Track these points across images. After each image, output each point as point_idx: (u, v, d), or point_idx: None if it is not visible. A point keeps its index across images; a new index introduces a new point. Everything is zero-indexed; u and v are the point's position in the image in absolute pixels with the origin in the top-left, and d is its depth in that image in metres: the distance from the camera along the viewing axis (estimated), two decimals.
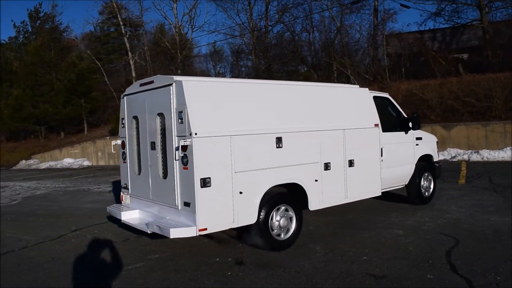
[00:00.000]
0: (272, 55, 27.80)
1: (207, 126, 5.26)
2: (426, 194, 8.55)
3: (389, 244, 6.06)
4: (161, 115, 5.73)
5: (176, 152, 5.37)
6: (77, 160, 25.99)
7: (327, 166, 6.52)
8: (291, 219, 6.12)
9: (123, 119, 6.77)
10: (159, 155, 5.84)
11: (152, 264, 5.72)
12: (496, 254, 5.38)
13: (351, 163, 6.85)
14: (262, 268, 5.35)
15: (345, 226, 7.19)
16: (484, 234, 6.28)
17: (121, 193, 6.98)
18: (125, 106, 6.69)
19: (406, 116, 8.20)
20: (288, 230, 6.09)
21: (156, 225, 5.40)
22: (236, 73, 37.33)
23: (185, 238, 6.33)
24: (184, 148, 5.23)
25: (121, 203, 7.00)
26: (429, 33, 27.95)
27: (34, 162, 27.11)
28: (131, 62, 30.32)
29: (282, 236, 6.03)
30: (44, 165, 26.32)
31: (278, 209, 5.98)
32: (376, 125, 7.31)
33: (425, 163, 8.57)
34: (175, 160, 5.42)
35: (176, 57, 30.94)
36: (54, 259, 6.23)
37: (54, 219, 9.17)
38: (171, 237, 5.19)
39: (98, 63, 31.55)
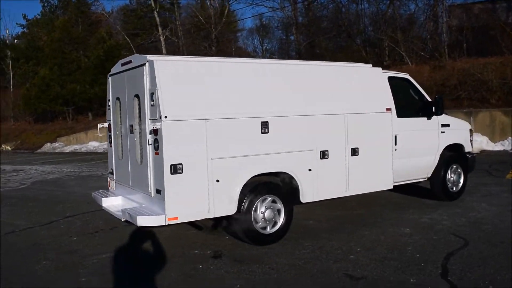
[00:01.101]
0: (315, 30, 27.48)
1: (179, 109, 5.45)
2: (454, 189, 8.33)
3: (387, 243, 6.03)
4: (137, 96, 5.99)
5: (149, 136, 5.62)
6: (102, 143, 27.18)
7: (324, 155, 6.54)
8: (279, 211, 6.23)
9: (108, 100, 7.11)
10: (137, 139, 6.11)
11: (126, 255, 6.05)
12: (503, 261, 5.23)
13: (354, 152, 6.83)
14: (237, 262, 5.53)
15: (349, 221, 7.20)
16: (502, 237, 6.10)
17: (108, 179, 7.38)
18: (110, 86, 7.02)
19: (430, 99, 7.99)
20: (275, 223, 6.21)
21: (128, 213, 5.70)
22: (286, 50, 37.27)
23: (173, 228, 6.67)
24: (155, 132, 5.46)
25: (108, 189, 7.40)
26: (502, 2, 26.54)
27: (59, 145, 28.68)
28: (162, 38, 31.07)
29: (268, 229, 6.16)
30: (68, 149, 27.77)
31: (264, 200, 6.11)
32: (388, 109, 7.20)
33: (453, 154, 8.34)
34: (148, 145, 5.67)
35: (211, 32, 31.37)
36: (36, 244, 6.73)
37: (53, 204, 9.81)
38: (138, 225, 5.47)
39: (127, 39, 32.61)
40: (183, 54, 31.80)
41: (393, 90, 7.45)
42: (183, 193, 5.49)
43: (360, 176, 6.93)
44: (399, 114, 7.46)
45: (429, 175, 8.11)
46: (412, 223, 6.97)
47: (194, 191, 5.56)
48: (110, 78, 7.00)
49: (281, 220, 6.24)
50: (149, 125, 5.59)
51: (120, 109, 6.74)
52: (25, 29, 44.10)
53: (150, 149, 5.68)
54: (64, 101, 33.23)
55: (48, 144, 29.64)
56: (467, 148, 8.60)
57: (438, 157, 8.06)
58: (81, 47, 33.74)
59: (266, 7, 39.19)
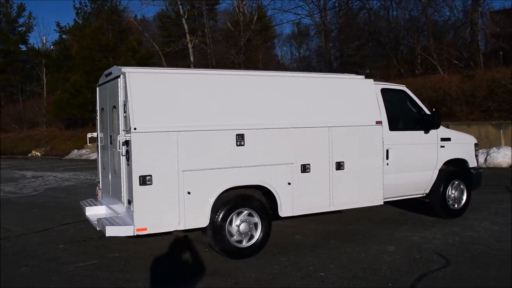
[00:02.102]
0: (345, 38, 27.39)
1: (150, 121, 5.65)
2: (456, 206, 8.17)
3: (364, 261, 6.01)
4: (115, 107, 6.26)
5: (122, 147, 5.85)
6: None
7: (305, 168, 6.59)
8: (255, 225, 6.32)
9: (96, 110, 7.43)
10: (115, 150, 6.37)
11: (103, 263, 6.28)
12: (478, 283, 5.15)
13: (339, 166, 6.84)
14: (206, 275, 5.66)
15: (337, 237, 7.20)
16: (489, 259, 5.97)
17: (96, 188, 7.68)
18: (97, 96, 7.34)
19: (428, 112, 7.89)
20: (251, 237, 6.31)
21: (101, 222, 5.95)
22: (323, 57, 37.16)
23: (163, 238, 6.87)
24: (127, 143, 5.70)
25: (96, 198, 7.70)
26: None
27: (85, 152, 29.66)
28: (189, 46, 31.71)
29: (243, 243, 6.26)
30: (94, 156, 28.63)
31: (239, 213, 6.22)
32: (379, 122, 7.18)
33: (455, 169, 8.20)
34: (121, 156, 5.91)
35: (239, 40, 31.78)
36: (23, 251, 7.08)
37: (56, 211, 10.24)
38: (107, 235, 5.70)
39: (156, 47, 33.48)
40: (211, 62, 32.40)
41: (386, 102, 7.43)
42: (152, 204, 5.68)
43: (346, 191, 6.93)
44: (392, 127, 7.42)
45: (427, 191, 7.99)
46: (400, 241, 6.91)
47: (164, 203, 5.74)
48: (97, 88, 7.32)
49: (257, 234, 6.33)
50: (122, 136, 5.82)
51: (102, 120, 7.03)
52: (62, 36, 45.96)
53: (123, 160, 5.92)
54: (94, 108, 34.28)
55: (76, 150, 30.71)
56: (472, 164, 8.41)
57: (436, 173, 7.94)
58: (111, 54, 34.85)
59: (295, 14, 39.20)
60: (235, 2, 33.03)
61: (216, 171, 6.02)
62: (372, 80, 7.38)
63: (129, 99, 5.61)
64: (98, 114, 7.34)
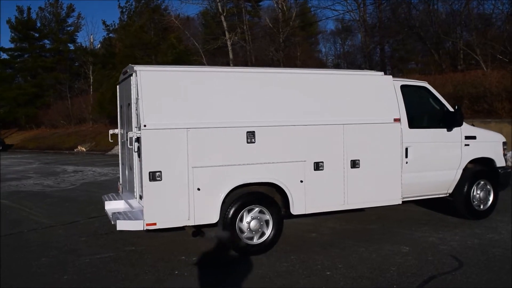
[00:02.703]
0: (385, 33, 26.82)
1: (160, 118, 5.76)
2: (481, 207, 7.88)
3: (374, 261, 5.91)
4: (129, 105, 6.41)
5: (135, 144, 6.00)
6: None
7: (318, 166, 6.54)
8: (267, 222, 6.33)
9: (117, 108, 7.64)
10: (128, 146, 6.52)
11: (119, 256, 6.47)
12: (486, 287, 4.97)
13: (354, 164, 6.74)
14: (213, 271, 5.73)
15: (352, 236, 7.10)
16: (504, 263, 5.73)
17: (118, 183, 7.90)
18: (118, 94, 7.54)
19: (451, 109, 7.64)
20: (262, 234, 6.32)
21: (114, 217, 6.12)
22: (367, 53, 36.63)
23: (176, 233, 7.00)
24: (138, 140, 5.84)
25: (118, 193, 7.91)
26: None
27: None
28: (228, 43, 31.94)
29: (254, 240, 6.29)
30: None
31: (250, 210, 6.25)
32: (397, 119, 7.01)
33: (481, 169, 7.91)
34: (134, 152, 6.06)
35: (278, 36, 31.74)
36: (46, 242, 7.38)
37: (86, 205, 10.58)
38: (118, 229, 5.88)
39: (196, 44, 33.92)
40: (250, 59, 32.51)
41: (406, 99, 7.25)
42: (162, 200, 5.79)
43: (361, 190, 6.82)
44: (412, 125, 7.23)
45: (449, 191, 7.74)
46: (416, 241, 6.74)
47: (174, 198, 5.84)
48: (118, 86, 7.52)
49: (269, 231, 6.33)
50: (134, 133, 5.96)
51: (122, 117, 7.22)
52: (108, 35, 47.39)
53: (135, 156, 6.06)
54: None
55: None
56: (499, 163, 8.08)
57: (460, 172, 7.67)
58: (152, 52, 35.60)
59: (333, 10, 38.73)
60: None
61: (226, 168, 6.06)
62: (391, 76, 7.21)
63: (139, 96, 5.74)
64: (118, 111, 7.54)
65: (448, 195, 7.80)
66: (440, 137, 7.53)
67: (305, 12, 39.54)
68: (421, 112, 7.66)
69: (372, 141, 6.89)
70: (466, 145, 7.71)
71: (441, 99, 7.67)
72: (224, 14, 32.31)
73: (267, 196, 6.37)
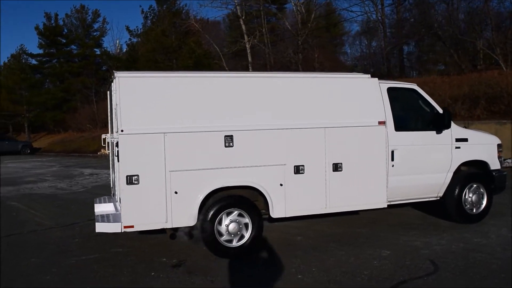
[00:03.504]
0: (404, 33, 26.46)
1: (137, 123, 5.90)
2: (474, 210, 7.73)
3: (350, 265, 5.89)
4: (114, 110, 6.57)
5: (115, 148, 6.16)
6: None
7: (298, 169, 6.56)
8: (246, 225, 6.39)
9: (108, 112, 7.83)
10: (110, 151, 6.71)
11: (103, 257, 6.63)
12: None
13: (336, 167, 6.73)
14: (187, 273, 5.82)
15: (337, 240, 7.08)
16: (482, 268, 5.63)
17: (111, 185, 8.10)
18: (108, 100, 7.72)
19: (440, 112, 7.53)
20: (241, 237, 6.39)
21: (96, 219, 6.30)
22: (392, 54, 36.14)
23: (165, 236, 7.11)
24: (117, 144, 6.00)
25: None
26: None
27: None
28: (247, 46, 32.09)
29: (233, 242, 6.36)
30: None
31: (229, 213, 6.32)
32: (382, 122, 6.96)
33: (473, 172, 7.78)
34: (115, 156, 6.22)
35: (297, 39, 31.70)
36: (42, 243, 7.62)
37: (90, 207, 10.80)
38: (97, 231, 6.05)
39: (216, 47, 34.21)
40: (269, 62, 32.56)
41: (393, 102, 7.20)
42: (139, 203, 5.93)
43: (344, 193, 6.80)
44: (399, 128, 7.17)
45: (440, 194, 7.63)
46: (400, 245, 6.68)
47: (151, 202, 5.96)
48: (108, 92, 7.71)
49: (248, 234, 6.39)
50: (114, 138, 6.12)
51: (111, 122, 7.40)
52: (131, 39, 48.22)
53: (116, 160, 6.22)
54: None
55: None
56: (493, 166, 7.91)
57: (450, 175, 7.56)
58: (173, 56, 36.07)
59: (351, 11, 38.43)
60: (293, 1, 32.92)
61: (203, 171, 6.16)
62: (376, 79, 7.15)
63: (118, 102, 5.90)
64: (109, 116, 7.73)
65: (438, 198, 7.69)
66: (428, 140, 7.44)
67: (329, 13, 39.38)
68: (409, 115, 7.60)
69: (356, 144, 6.86)
70: (457, 147, 7.59)
71: (431, 102, 7.57)
72: (243, 18, 32.46)
73: (247, 199, 6.43)
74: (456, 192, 7.56)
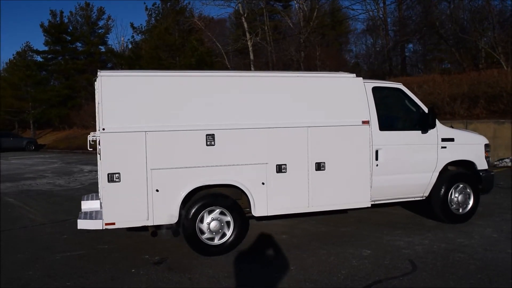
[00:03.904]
0: (405, 32, 26.35)
1: (119, 121, 5.95)
2: (460, 210, 7.72)
3: (328, 264, 5.91)
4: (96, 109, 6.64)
5: (98, 146, 6.22)
6: None
7: (280, 168, 6.59)
8: (228, 223, 6.44)
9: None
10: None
11: (88, 254, 6.70)
12: None
13: (319, 166, 6.75)
14: (167, 270, 5.87)
15: (321, 239, 7.10)
16: (460, 269, 5.64)
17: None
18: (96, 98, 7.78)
19: (426, 111, 7.52)
20: (223, 235, 6.43)
21: (79, 216, 6.37)
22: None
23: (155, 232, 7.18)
24: (99, 142, 6.06)
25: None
26: None
27: None
28: (249, 44, 32.10)
29: (215, 240, 6.40)
30: None
31: (211, 211, 6.37)
32: (365, 122, 6.97)
33: (459, 172, 7.77)
34: (98, 154, 6.28)
35: (299, 37, 31.68)
36: (31, 239, 7.70)
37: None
38: (78, 228, 6.13)
39: (218, 45, 34.25)
40: (271, 60, 32.55)
41: (378, 101, 7.20)
42: (121, 200, 5.98)
43: (327, 192, 6.82)
44: (383, 127, 7.17)
45: (426, 194, 7.63)
46: (382, 245, 6.69)
47: (132, 199, 6.02)
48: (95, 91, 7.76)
49: (230, 232, 6.43)
50: (96, 136, 6.18)
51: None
52: (133, 37, 48.36)
53: (99, 158, 6.28)
54: None
55: None
56: (481, 166, 7.89)
57: (436, 175, 7.55)
58: (176, 53, 36.14)
59: (352, 9, 38.35)
60: None
61: (185, 170, 6.20)
62: (361, 78, 7.15)
63: (101, 100, 5.95)
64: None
65: (424, 198, 7.69)
66: (413, 140, 7.44)
67: (335, 11, 39.26)
68: (394, 114, 7.61)
69: (339, 143, 6.88)
70: (442, 147, 7.58)
71: (416, 101, 7.56)
72: (245, 16, 32.46)
73: (229, 198, 6.47)
74: (442, 192, 7.55)
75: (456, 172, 7.75)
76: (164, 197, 6.12)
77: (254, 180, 6.48)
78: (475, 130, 16.19)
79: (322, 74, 7.31)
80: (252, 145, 6.47)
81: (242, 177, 6.43)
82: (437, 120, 7.56)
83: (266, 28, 32.83)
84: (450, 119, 17.80)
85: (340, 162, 6.88)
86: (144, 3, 44.80)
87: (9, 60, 52.73)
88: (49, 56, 50.26)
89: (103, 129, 5.89)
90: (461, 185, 7.71)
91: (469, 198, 7.77)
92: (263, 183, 6.52)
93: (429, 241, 6.83)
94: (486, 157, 7.98)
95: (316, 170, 6.75)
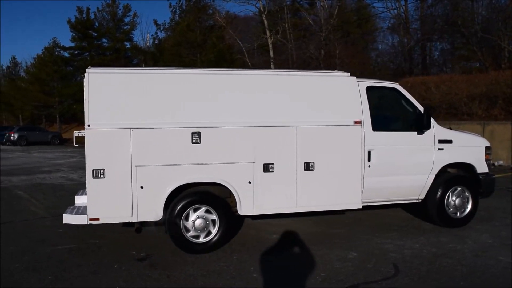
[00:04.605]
0: (426, 31, 25.82)
1: (104, 118, 5.98)
2: (458, 214, 7.51)
3: (311, 265, 5.83)
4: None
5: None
6: None
7: (268, 168, 6.51)
8: (213, 221, 6.41)
9: None
10: None
11: (78, 248, 6.77)
12: None
13: (308, 166, 6.65)
14: (151, 266, 5.88)
15: (311, 239, 6.99)
16: (443, 275, 5.48)
17: None
18: None
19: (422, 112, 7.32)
20: (209, 233, 6.41)
21: (66, 211, 6.45)
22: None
23: (144, 229, 7.22)
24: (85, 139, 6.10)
25: None
26: None
27: None
28: (269, 41, 32.00)
29: (200, 238, 6.38)
30: None
31: (196, 209, 6.35)
32: (357, 122, 6.83)
33: (457, 174, 7.56)
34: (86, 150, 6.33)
35: (319, 35, 31.42)
36: (29, 232, 7.82)
37: None
38: (64, 222, 6.19)
39: (239, 42, 34.26)
40: (292, 57, 32.38)
41: (372, 101, 7.05)
42: (105, 196, 6.02)
43: (315, 193, 6.72)
44: (377, 128, 7.02)
45: (421, 197, 7.44)
46: (370, 248, 6.56)
47: (117, 195, 6.05)
48: None
49: (215, 230, 6.40)
50: (82, 132, 6.23)
51: None
52: (157, 33, 48.76)
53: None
54: None
55: None
56: (480, 169, 7.64)
57: (432, 177, 7.36)
58: (197, 50, 36.30)
59: (374, 7, 37.77)
60: None
61: (170, 167, 6.19)
62: (354, 77, 7.00)
63: (88, 97, 5.99)
64: None
65: (420, 201, 7.50)
66: (408, 141, 7.25)
67: (361, 8, 38.72)
68: (389, 115, 7.45)
69: (329, 143, 6.76)
70: (439, 149, 7.37)
71: (413, 101, 7.37)
72: (266, 13, 32.36)
73: (214, 196, 6.44)
74: (438, 195, 7.36)
75: (454, 175, 7.54)
76: (148, 194, 6.13)
77: (241, 179, 6.43)
78: (492, 131, 15.83)
79: (313, 73, 7.19)
80: (239, 144, 6.41)
81: (228, 176, 6.39)
82: (434, 121, 7.36)
83: (286, 25, 32.65)
84: (468, 119, 17.40)
85: (330, 163, 6.76)
86: (169, 0, 44.98)
87: (37, 55, 53.75)
88: (76, 52, 51.08)
89: (89, 126, 5.93)
90: (459, 189, 7.49)
91: (467, 202, 7.55)
92: (249, 182, 6.46)
93: (420, 245, 6.66)
94: (487, 160, 7.73)
95: (304, 170, 6.65)
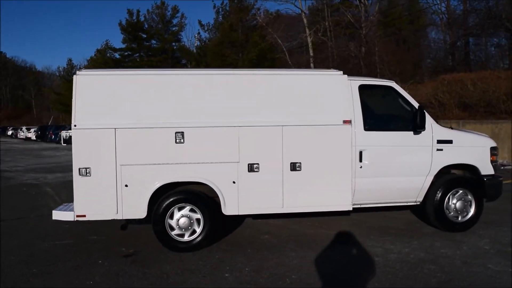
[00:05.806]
0: (468, 26, 24.71)
1: (90, 118, 6.15)
2: (459, 218, 7.14)
3: (286, 267, 5.73)
4: None
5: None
6: None
7: (252, 168, 6.47)
8: (198, 220, 6.44)
9: None
10: None
11: (75, 243, 6.99)
12: None
13: (294, 167, 6.54)
14: (132, 263, 5.99)
15: (301, 241, 6.89)
16: (418, 281, 5.24)
17: None
18: None
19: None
20: (193, 232, 6.45)
21: (57, 208, 6.69)
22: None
23: (145, 227, 7.37)
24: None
25: None
26: None
27: None
28: (308, 40, 31.73)
29: (185, 237, 6.44)
30: None
31: (181, 208, 6.41)
32: (347, 121, 6.64)
33: (458, 176, 7.20)
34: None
35: (359, 32, 30.85)
36: (33, 228, 8.10)
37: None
38: (53, 218, 6.42)
39: (279, 40, 34.18)
40: (332, 56, 31.94)
41: (365, 100, 6.85)
42: (91, 194, 6.19)
43: (302, 193, 6.60)
44: (369, 127, 6.80)
45: (419, 199, 7.13)
46: (358, 251, 6.37)
47: (102, 193, 6.21)
48: None
49: (199, 229, 6.43)
50: (70, 132, 6.43)
51: None
52: (200, 34, 49.52)
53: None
54: None
55: None
56: (485, 171, 7.21)
57: (430, 179, 7.03)
58: (240, 49, 36.55)
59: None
60: None
61: (153, 166, 6.28)
62: (345, 76, 6.80)
63: (74, 98, 6.19)
64: None
65: (418, 203, 7.20)
66: (403, 141, 6.97)
67: (413, 4, 37.61)
68: (383, 114, 7.17)
69: (317, 143, 6.62)
70: (438, 149, 7.03)
71: (410, 100, 7.07)
72: (305, 12, 32.11)
73: (198, 195, 6.47)
74: (437, 197, 7.03)
75: (454, 177, 7.17)
76: (133, 192, 6.25)
77: (225, 179, 6.43)
78: None
79: (303, 72, 7.08)
80: (223, 144, 6.40)
81: (211, 175, 6.40)
82: (433, 120, 7.06)
83: (327, 24, 32.24)
84: (506, 118, 16.53)
85: (318, 163, 6.62)
86: (212, 1, 45.57)
87: (90, 57, 55.98)
88: (126, 53, 52.76)
89: (75, 126, 6.12)
90: (461, 191, 7.12)
91: (470, 205, 7.16)
92: (234, 182, 6.44)
93: (410, 249, 6.40)
94: (493, 161, 7.29)
95: (291, 170, 6.55)
